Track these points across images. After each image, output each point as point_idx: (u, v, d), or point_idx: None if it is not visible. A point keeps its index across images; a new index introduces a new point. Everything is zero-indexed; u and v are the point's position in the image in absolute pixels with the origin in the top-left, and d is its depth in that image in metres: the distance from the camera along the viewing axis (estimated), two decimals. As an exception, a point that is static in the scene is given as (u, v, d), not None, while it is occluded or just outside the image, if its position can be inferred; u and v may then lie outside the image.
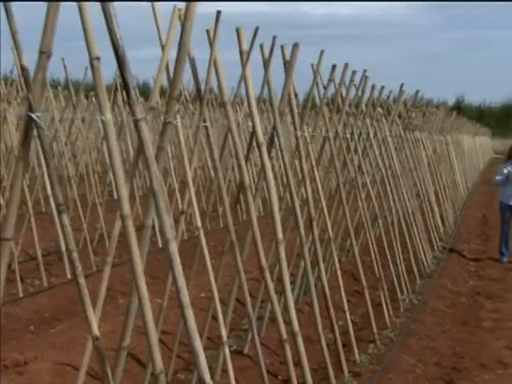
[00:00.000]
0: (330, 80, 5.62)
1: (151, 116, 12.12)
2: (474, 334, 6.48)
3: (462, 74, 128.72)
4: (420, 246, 9.00)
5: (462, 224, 13.92)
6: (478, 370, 5.45)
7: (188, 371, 4.84)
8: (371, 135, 7.73)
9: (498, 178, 10.03)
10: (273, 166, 14.40)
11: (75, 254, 2.26)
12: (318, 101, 6.05)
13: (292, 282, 6.19)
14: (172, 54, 3.18)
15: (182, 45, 2.91)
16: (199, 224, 3.83)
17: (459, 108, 60.45)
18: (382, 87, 7.84)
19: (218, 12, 3.59)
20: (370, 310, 5.92)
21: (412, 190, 10.08)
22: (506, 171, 9.92)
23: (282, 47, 4.50)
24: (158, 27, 3.49)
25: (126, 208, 2.42)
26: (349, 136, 6.76)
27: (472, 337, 6.39)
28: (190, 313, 2.38)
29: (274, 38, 4.35)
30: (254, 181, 11.37)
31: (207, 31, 3.72)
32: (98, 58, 2.36)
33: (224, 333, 3.83)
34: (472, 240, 12.27)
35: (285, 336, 3.90)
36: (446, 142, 16.48)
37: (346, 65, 5.77)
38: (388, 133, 8.68)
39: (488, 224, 14.28)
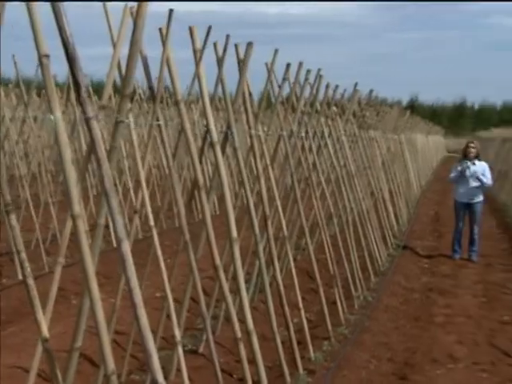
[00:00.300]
0: (285, 79, 5.65)
1: (104, 114, 11.97)
2: (426, 330, 6.61)
3: (415, 73, 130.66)
4: (374, 244, 9.12)
5: (416, 222, 14.18)
6: (429, 364, 5.56)
7: (142, 371, 4.81)
8: (326, 134, 7.80)
9: (452, 175, 10.20)
10: (229, 165, 14.42)
11: (24, 255, 2.23)
12: (273, 100, 6.08)
13: (248, 281, 6.21)
14: (124, 51, 3.16)
15: (133, 42, 2.89)
16: (152, 223, 3.81)
17: (413, 107, 61.45)
18: (337, 86, 7.92)
19: (171, 10, 3.58)
20: (325, 307, 5.97)
21: (366, 188, 10.22)
22: (459, 168, 10.08)
23: (235, 46, 4.51)
24: (109, 24, 3.46)
25: (77, 207, 2.40)
26: (303, 135, 6.81)
27: (424, 332, 6.51)
28: (142, 313, 2.37)
29: (228, 36, 4.36)
30: (210, 179, 11.34)
31: (160, 29, 3.71)
32: (47, 56, 2.33)
33: (177, 332, 3.83)
34: (425, 237, 12.49)
35: (239, 335, 3.91)
36: (399, 141, 16.73)
37: (301, 64, 5.82)
38: (343, 132, 8.77)
39: (440, 221, 14.57)
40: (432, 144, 34.17)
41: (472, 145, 10.13)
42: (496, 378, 5.35)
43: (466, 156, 10.12)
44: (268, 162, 5.47)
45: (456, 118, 68.11)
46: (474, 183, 9.98)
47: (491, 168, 10.70)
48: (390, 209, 12.07)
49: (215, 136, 4.06)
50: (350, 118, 9.46)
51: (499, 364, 5.64)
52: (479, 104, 71.52)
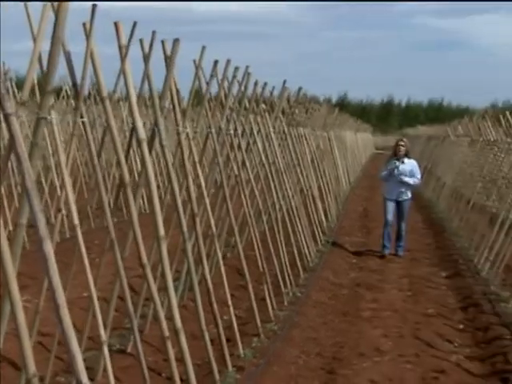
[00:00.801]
0: (212, 76, 5.65)
1: (28, 111, 11.68)
2: (354, 324, 6.75)
3: (345, 72, 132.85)
4: (303, 241, 9.23)
5: (345, 218, 14.44)
6: (357, 358, 5.68)
7: (68, 373, 4.72)
8: (255, 131, 7.84)
9: (382, 173, 10.39)
10: (158, 162, 14.29)
11: None
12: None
13: (177, 279, 6.20)
14: (46, 47, 3.09)
15: (55, 37, 2.84)
16: (76, 221, 3.75)
17: (342, 105, 62.46)
18: (265, 83, 7.98)
19: (94, 5, 3.53)
20: (254, 303, 6.01)
21: (296, 185, 10.33)
22: (389, 167, 10.26)
23: (162, 42, 4.48)
24: (29, 18, 3.39)
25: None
26: (232, 132, 6.82)
27: (352, 327, 6.65)
28: (65, 313, 2.34)
29: (154, 32, 4.33)
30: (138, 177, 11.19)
31: (83, 24, 3.65)
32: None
33: (103, 332, 3.78)
34: (353, 233, 12.74)
35: (167, 333, 3.90)
36: (329, 138, 16.99)
37: (228, 61, 5.83)
38: (272, 129, 8.83)
39: (369, 217, 14.89)
40: (361, 141, 34.82)
41: (401, 143, 10.28)
42: (420, 368, 5.52)
43: (395, 154, 10.29)
44: (196, 160, 5.46)
45: (384, 116, 69.66)
46: (402, 182, 10.17)
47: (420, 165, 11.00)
48: (320, 205, 12.24)
49: (142, 133, 4.03)
50: (279, 115, 9.54)
51: (423, 355, 5.83)
52: (406, 102, 73.37)
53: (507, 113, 11.52)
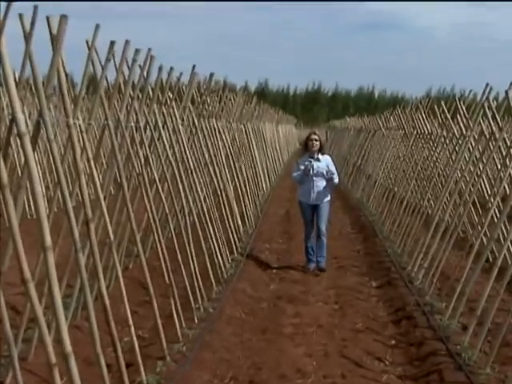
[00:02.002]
0: (108, 59, 5.58)
1: None
2: (274, 342, 6.82)
3: (266, 57, 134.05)
4: (217, 249, 9.25)
5: (264, 222, 14.57)
6: (277, 381, 5.75)
7: None
8: (160, 123, 7.80)
9: (294, 174, 10.13)
10: (47, 159, 13.99)
11: None
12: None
13: (70, 295, 6.10)
14: None
15: None
16: None
17: (262, 93, 63.02)
18: (171, 68, 7.94)
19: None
20: (159, 322, 5.98)
21: (208, 186, 10.36)
22: (302, 166, 9.99)
23: (47, 18, 4.40)
24: None
25: None
26: (133, 124, 6.77)
27: (271, 345, 6.72)
28: None
29: (36, 7, 4.25)
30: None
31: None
32: None
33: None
34: (274, 239, 12.89)
35: (54, 359, 3.82)
36: (246, 131, 17.10)
37: (127, 42, 5.77)
38: (180, 121, 8.82)
39: (291, 221, 15.09)
40: (283, 135, 35.23)
41: (315, 136, 9.98)
42: (347, 390, 5.64)
43: (307, 150, 10.03)
44: (91, 157, 5.39)
45: (310, 107, 70.74)
46: (319, 182, 9.97)
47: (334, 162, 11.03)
48: (236, 208, 12.32)
49: (23, 126, 3.95)
50: (188, 105, 9.53)
51: (350, 376, 5.95)
52: (333, 91, 74.71)
53: (442, 103, 11.89)
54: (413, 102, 16.56)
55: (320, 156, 10.03)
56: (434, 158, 11.94)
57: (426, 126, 13.39)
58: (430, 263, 9.17)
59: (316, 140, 9.99)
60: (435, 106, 12.86)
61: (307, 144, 10.06)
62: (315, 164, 9.93)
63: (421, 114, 13.72)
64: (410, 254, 10.44)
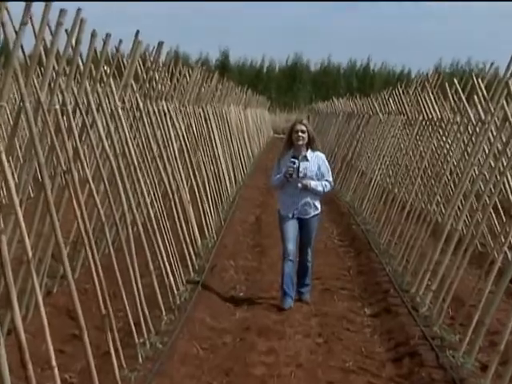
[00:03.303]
0: (24, 22, 5.52)
1: None
2: (241, 387, 6.81)
3: (230, 23, 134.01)
4: (168, 268, 9.22)
5: (229, 232, 14.55)
6: None
7: None
8: (93, 106, 7.76)
9: (274, 178, 9.73)
10: None
11: None
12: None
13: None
14: None
15: None
16: None
17: (225, 68, 63.04)
18: (108, 35, 7.90)
19: None
20: (92, 362, 5.94)
21: (157, 186, 10.31)
22: (284, 169, 9.53)
23: None
24: None
25: None
26: (58, 107, 6.71)
27: (238, 391, 6.71)
28: None
29: None
30: None
31: None
32: None
33: None
34: (241, 254, 12.87)
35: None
36: (205, 117, 17.08)
37: (49, 1, 5.72)
38: (119, 103, 8.77)
39: (263, 231, 15.09)
40: (253, 121, 35.27)
41: (301, 127, 9.52)
42: None
43: (291, 145, 9.60)
44: (1, 149, 5.32)
45: (287, 85, 70.84)
46: (307, 189, 9.54)
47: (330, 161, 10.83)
48: (192, 215, 12.29)
49: None
50: (131, 82, 9.48)
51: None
52: (318, 65, 74.94)
53: (455, 80, 11.92)
54: (418, 79, 16.62)
55: (309, 153, 9.59)
56: (445, 151, 12.00)
57: (435, 110, 13.47)
58: (439, 284, 9.21)
59: (303, 132, 9.50)
60: (446, 85, 12.94)
61: (291, 137, 9.58)
62: (302, 165, 9.52)
63: (428, 94, 13.80)
64: (415, 272, 10.48)
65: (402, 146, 16.08)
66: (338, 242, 14.57)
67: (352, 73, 73.95)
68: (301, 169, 9.54)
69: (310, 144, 9.63)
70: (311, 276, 10.14)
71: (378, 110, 20.30)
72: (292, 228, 9.69)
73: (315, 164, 9.63)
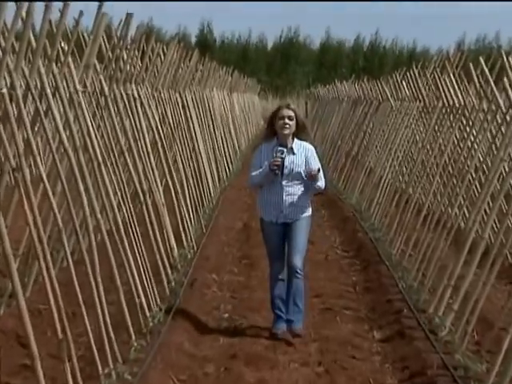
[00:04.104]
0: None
1: None
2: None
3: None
4: (139, 283, 9.20)
5: (211, 241, 14.52)
6: None
7: None
8: (48, 90, 7.72)
9: (253, 174, 9.52)
10: None
11: None
12: None
13: None
14: None
15: None
16: None
17: (206, 45, 63.04)
18: (65, 5, 7.86)
19: None
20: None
21: (125, 186, 10.27)
22: (266, 162, 9.31)
23: None
24: None
25: None
26: (5, 91, 6.68)
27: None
28: None
29: None
30: None
31: None
32: None
33: None
34: (226, 267, 12.89)
35: None
36: (182, 104, 17.04)
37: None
38: (79, 87, 8.74)
39: (252, 240, 15.05)
40: (240, 108, 35.23)
41: (287, 112, 9.36)
42: None
43: (274, 134, 9.46)
44: None
45: (282, 66, 70.93)
46: (293, 189, 9.40)
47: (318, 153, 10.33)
48: (168, 221, 12.26)
49: None
50: (94, 62, 9.45)
51: None
52: (319, 41, 74.94)
53: (481, 59, 11.88)
54: (437, 58, 16.62)
55: (295, 145, 9.45)
56: (469, 144, 12.01)
57: (457, 95, 13.46)
58: (462, 303, 9.21)
59: (290, 118, 9.35)
60: (471, 65, 12.92)
61: (274, 123, 9.45)
62: (287, 159, 9.36)
63: (449, 76, 13.80)
64: (433, 289, 10.47)
65: (417, 138, 16.07)
66: (341, 253, 14.55)
67: (358, 51, 74.18)
68: (286, 163, 9.32)
69: (298, 133, 9.48)
70: (304, 297, 9.53)
71: (389, 96, 20.28)
72: (278, 238, 9.52)
73: (302, 158, 9.44)
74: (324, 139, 30.63)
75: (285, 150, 9.30)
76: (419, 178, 14.66)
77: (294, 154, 9.38)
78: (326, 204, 19.92)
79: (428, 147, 14.58)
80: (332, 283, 12.11)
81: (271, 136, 9.52)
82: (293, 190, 9.41)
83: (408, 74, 18.01)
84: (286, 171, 9.33)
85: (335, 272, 12.99)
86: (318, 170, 9.31)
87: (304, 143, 9.52)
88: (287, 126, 9.31)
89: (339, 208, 19.68)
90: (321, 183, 9.45)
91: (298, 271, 9.35)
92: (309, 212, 9.59)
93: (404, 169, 16.74)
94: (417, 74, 17.03)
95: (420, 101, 16.44)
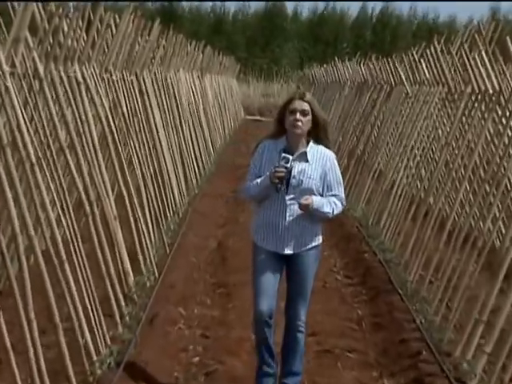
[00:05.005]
0: None
1: None
2: None
3: None
4: (83, 318, 9.18)
5: (177, 264, 14.52)
6: None
7: None
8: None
9: (250, 185, 9.19)
10: None
11: None
12: None
13: None
14: None
15: None
16: None
17: (170, 14, 63.00)
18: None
19: None
20: None
21: (66, 193, 10.23)
22: (268, 173, 8.93)
23: None
24: None
25: None
26: None
27: None
28: None
29: None
30: None
31: None
32: None
33: None
34: (196, 298, 12.94)
35: None
36: (140, 88, 17.00)
37: None
38: (7, 67, 8.71)
39: (230, 262, 15.09)
40: (214, 95, 35.24)
41: (301, 105, 9.01)
42: None
43: (282, 132, 9.12)
44: None
45: (265, 40, 70.99)
46: (302, 208, 8.97)
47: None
48: (121, 237, 12.21)
49: None
50: (26, 35, 9.42)
51: None
52: (312, 10, 75.10)
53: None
54: (465, 31, 16.63)
55: (311, 150, 9.15)
56: (506, 140, 12.02)
57: (491, 79, 13.48)
58: (497, 344, 9.22)
59: (304, 113, 9.01)
60: (508, 40, 12.93)
61: (283, 119, 9.13)
62: (297, 167, 9.05)
63: (480, 54, 13.81)
64: (460, 325, 10.48)
65: (440, 132, 16.09)
66: (343, 279, 14.58)
67: (364, 22, 74.24)
68: (294, 173, 9.02)
69: (316, 133, 9.14)
70: (303, 355, 9.34)
71: (404, 79, 20.32)
72: (274, 273, 9.15)
73: (318, 168, 9.12)
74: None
75: (291, 157, 8.95)
76: (442, 183, 14.67)
77: (307, 161, 9.08)
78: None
79: (453, 144, 14.61)
80: (331, 318, 12.11)
81: (279, 134, 9.21)
82: (298, 211, 9.03)
83: (428, 50, 18.03)
84: (293, 182, 9.03)
85: (335, 303, 12.99)
86: (337, 196, 9.12)
87: (323, 149, 9.18)
88: (299, 123, 8.98)
89: (340, 222, 19.64)
90: (335, 208, 9.11)
91: (301, 325, 9.19)
92: (319, 240, 9.34)
93: (423, 172, 16.75)
94: (439, 52, 17.05)
95: (443, 85, 16.46)
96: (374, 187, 19.96)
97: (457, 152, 14.15)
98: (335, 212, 9.07)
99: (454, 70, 15.79)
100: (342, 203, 9.16)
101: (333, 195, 9.08)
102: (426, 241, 13.62)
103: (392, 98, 21.43)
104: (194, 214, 19.50)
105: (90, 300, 9.67)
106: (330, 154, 9.17)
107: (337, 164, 9.23)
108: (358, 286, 14.08)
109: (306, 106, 8.96)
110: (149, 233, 14.43)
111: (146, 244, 13.93)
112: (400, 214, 16.59)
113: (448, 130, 15.23)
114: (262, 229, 9.18)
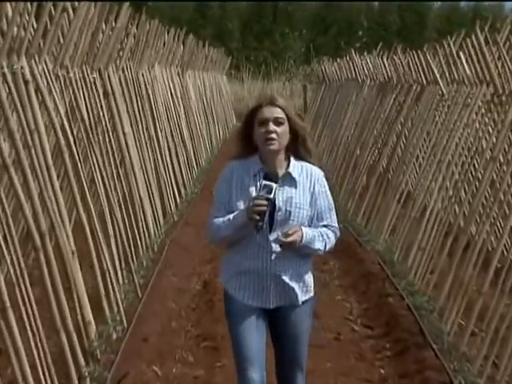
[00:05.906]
0: None
1: None
2: None
3: None
4: (31, 380, 9.16)
5: (151, 311, 14.54)
6: None
7: None
8: None
9: (217, 222, 8.81)
10: None
11: None
12: None
13: None
14: None
15: None
16: None
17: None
18: None
19: None
20: None
21: (10, 221, 10.22)
22: (241, 203, 8.67)
23: None
24: None
25: None
26: None
27: None
28: None
29: None
30: None
31: None
32: None
33: None
34: (175, 353, 12.92)
35: None
36: (104, 88, 17.02)
37: None
38: None
39: (216, 309, 15.10)
40: (198, 97, 35.32)
41: (273, 112, 8.69)
42: None
43: (253, 151, 8.86)
44: None
45: (262, 27, 71.34)
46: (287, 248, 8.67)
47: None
48: (80, 277, 12.20)
49: None
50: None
51: None
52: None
53: None
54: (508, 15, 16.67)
55: (294, 169, 8.86)
56: None
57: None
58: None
59: (277, 122, 8.69)
60: None
61: (251, 132, 8.85)
62: (282, 193, 8.74)
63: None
64: (495, 371, 10.49)
65: (483, 144, 16.08)
66: (361, 330, 14.58)
67: (387, 6, 74.57)
68: (279, 204, 8.70)
69: (296, 148, 8.87)
70: None
71: (439, 76, 20.36)
72: (258, 332, 8.88)
73: (306, 192, 8.85)
74: (333, 146, 30.67)
75: (274, 185, 8.56)
76: (487, 208, 14.67)
77: (293, 185, 8.80)
78: (337, 251, 19.86)
79: (501, 159, 14.61)
80: (347, 379, 12.11)
81: (247, 154, 8.97)
82: (284, 252, 8.72)
83: (469, 41, 18.06)
84: (278, 216, 8.71)
85: (352, 361, 13.00)
86: (330, 227, 8.88)
87: (307, 166, 8.91)
88: (273, 135, 8.68)
89: (358, 257, 19.71)
90: (327, 242, 8.85)
91: None
92: (311, 290, 8.98)
93: (462, 194, 16.76)
94: (483, 42, 17.06)
95: (488, 85, 16.47)
96: (401, 213, 19.98)
97: (505, 169, 14.15)
98: (327, 247, 8.83)
99: (502, 65, 15.80)
100: (335, 235, 8.94)
101: (325, 226, 8.86)
102: (466, 281, 13.63)
103: (423, 100, 21.46)
104: (172, 247, 19.52)
105: (40, 357, 9.65)
106: (317, 173, 8.93)
107: (326, 183, 8.98)
108: (381, 338, 14.07)
109: (280, 113, 8.69)
110: (115, 272, 14.42)
111: (112, 286, 13.92)
112: (433, 248, 16.60)
113: (494, 140, 15.24)
114: (237, 278, 8.91)
